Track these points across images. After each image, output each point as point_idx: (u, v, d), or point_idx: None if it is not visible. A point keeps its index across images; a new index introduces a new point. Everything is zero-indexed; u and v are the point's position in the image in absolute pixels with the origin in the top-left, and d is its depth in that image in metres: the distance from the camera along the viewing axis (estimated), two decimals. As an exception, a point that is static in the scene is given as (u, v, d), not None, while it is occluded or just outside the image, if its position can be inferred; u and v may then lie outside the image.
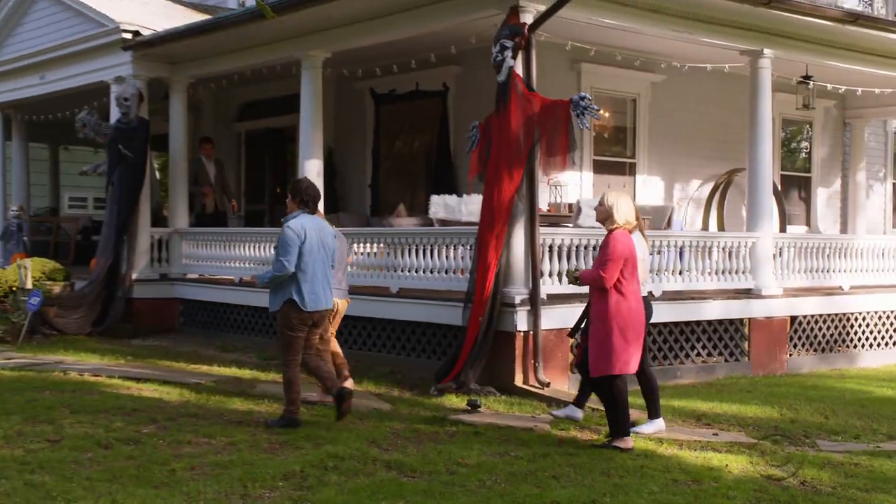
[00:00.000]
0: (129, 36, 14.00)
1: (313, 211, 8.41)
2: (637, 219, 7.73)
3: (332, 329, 9.34)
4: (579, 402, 8.37)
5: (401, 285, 10.98)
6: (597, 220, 7.84)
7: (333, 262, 8.41)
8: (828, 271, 12.60)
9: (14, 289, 14.18)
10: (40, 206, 23.74)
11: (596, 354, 7.43)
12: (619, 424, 7.42)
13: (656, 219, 13.17)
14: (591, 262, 10.22)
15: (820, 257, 12.57)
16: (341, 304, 9.29)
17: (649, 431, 7.91)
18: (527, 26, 9.58)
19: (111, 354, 11.98)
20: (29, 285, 13.54)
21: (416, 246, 10.83)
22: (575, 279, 7.79)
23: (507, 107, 9.51)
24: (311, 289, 8.11)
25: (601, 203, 7.61)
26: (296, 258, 8.01)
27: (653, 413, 8.07)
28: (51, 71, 16.04)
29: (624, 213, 7.45)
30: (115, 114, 14.50)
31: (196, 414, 8.33)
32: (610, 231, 7.44)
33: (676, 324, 10.94)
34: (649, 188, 14.50)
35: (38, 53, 16.04)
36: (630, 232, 7.55)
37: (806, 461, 7.09)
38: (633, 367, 7.46)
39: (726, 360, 11.42)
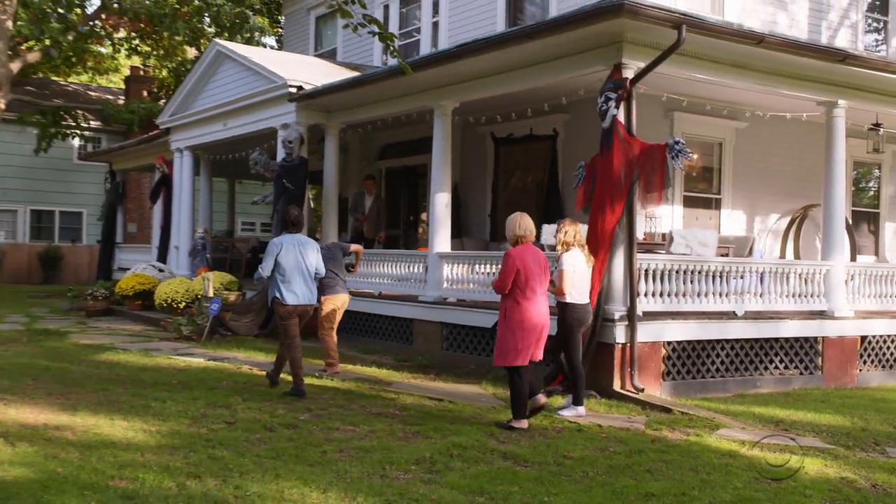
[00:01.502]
0: (293, 90, 14.36)
1: (296, 231, 9.43)
2: (567, 235, 8.36)
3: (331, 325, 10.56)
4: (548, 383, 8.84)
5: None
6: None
7: (318, 270, 9.34)
8: (894, 296, 12.02)
9: (199, 296, 14.67)
10: (219, 229, 24.59)
11: (497, 349, 7.75)
12: (516, 408, 7.67)
13: (739, 247, 12.78)
14: (682, 285, 10.03)
15: (888, 283, 12.01)
16: (346, 299, 10.69)
17: (568, 415, 8.20)
18: (628, 80, 9.46)
19: (274, 353, 12.21)
20: (210, 294, 13.97)
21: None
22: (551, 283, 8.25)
23: (611, 149, 9.40)
24: (289, 288, 9.10)
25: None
26: (271, 265, 9.09)
27: (576, 400, 8.37)
28: (231, 119, 16.54)
29: (511, 232, 7.86)
30: (280, 154, 14.85)
31: (343, 405, 8.43)
32: (508, 249, 7.87)
33: (756, 340, 10.57)
34: (733, 220, 14.12)
35: (222, 105, 16.55)
36: (568, 249, 8.33)
37: (877, 466, 6.75)
38: (524, 360, 7.62)
39: (801, 373, 10.97)
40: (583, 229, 10.36)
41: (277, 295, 9.16)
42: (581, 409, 8.35)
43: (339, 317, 10.75)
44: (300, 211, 9.81)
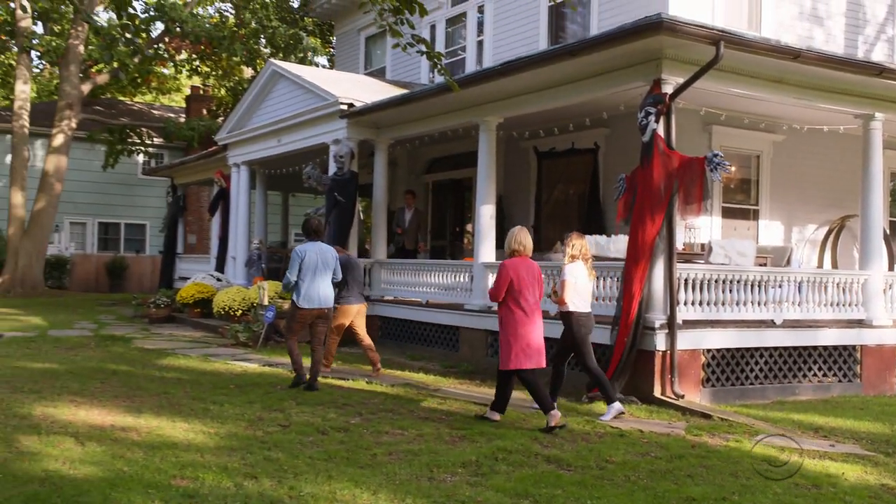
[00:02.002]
0: (345, 107, 14.47)
1: (317, 239, 9.85)
2: (574, 249, 8.49)
3: (339, 331, 11.05)
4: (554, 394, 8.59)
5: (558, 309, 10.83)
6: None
7: (335, 275, 9.80)
8: (934, 306, 11.71)
9: (254, 304, 14.82)
10: (274, 240, 24.86)
11: (501, 356, 8.04)
12: (542, 404, 7.91)
13: (777, 257, 12.58)
14: (720, 294, 9.90)
15: (926, 293, 11.68)
16: (362, 308, 11.10)
17: (608, 418, 8.25)
18: (667, 95, 9.38)
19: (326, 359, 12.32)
20: (266, 302, 14.10)
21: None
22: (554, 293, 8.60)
23: (651, 162, 9.32)
24: (309, 292, 9.55)
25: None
26: (297, 272, 9.54)
27: (608, 399, 8.47)
28: (285, 135, 16.71)
29: (508, 245, 8.12)
30: (332, 168, 14.96)
31: (392, 410, 8.45)
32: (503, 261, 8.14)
33: (795, 348, 10.38)
34: (771, 231, 13.89)
35: (277, 122, 16.73)
36: (573, 261, 8.44)
37: (917, 473, 6.57)
38: (531, 364, 7.85)
39: (840, 381, 10.74)
40: (607, 241, 10.54)
41: (295, 298, 9.68)
42: (616, 405, 8.36)
43: (359, 322, 11.13)
44: (320, 220, 10.28)
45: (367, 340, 11.16)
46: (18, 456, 6.08)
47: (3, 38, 28.22)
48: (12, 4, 27.02)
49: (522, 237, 8.14)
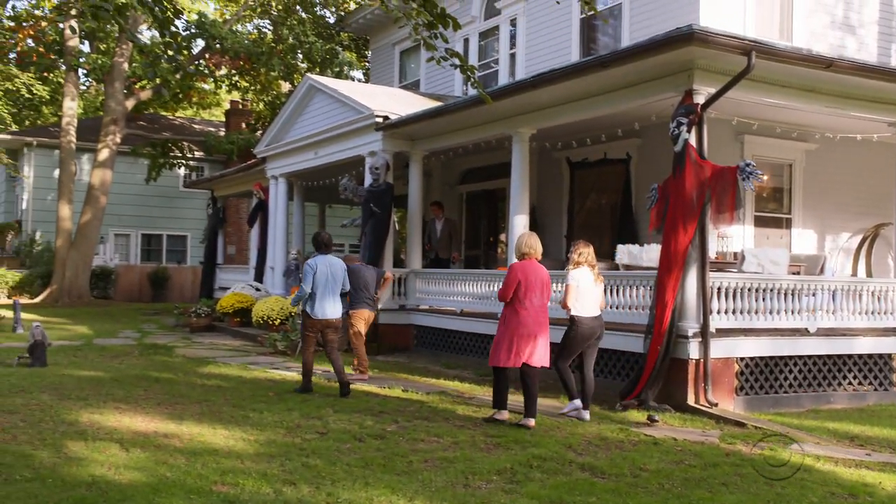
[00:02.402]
0: (380, 120, 14.55)
1: (327, 252, 10.18)
2: (581, 256, 8.65)
3: (361, 336, 11.47)
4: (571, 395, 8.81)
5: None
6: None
7: (344, 286, 10.13)
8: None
9: (292, 314, 14.90)
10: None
11: (492, 350, 8.33)
12: (497, 400, 8.32)
13: (810, 266, 12.40)
14: (754, 303, 9.78)
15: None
16: (373, 315, 11.71)
17: (566, 410, 8.69)
18: (699, 106, 9.32)
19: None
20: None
21: (605, 286, 10.62)
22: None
23: (683, 172, 9.25)
24: (319, 304, 9.86)
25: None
26: (310, 284, 9.83)
27: (576, 397, 8.73)
28: (322, 148, 16.83)
29: (518, 248, 8.40)
30: (367, 180, 15.04)
31: (428, 417, 8.45)
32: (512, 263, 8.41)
33: (829, 356, 10.21)
34: (804, 239, 13.71)
35: (313, 135, 16.86)
36: (577, 267, 8.59)
37: (956, 483, 6.43)
38: (512, 363, 8.14)
39: (875, 389, 10.54)
40: (639, 250, 10.69)
41: (307, 309, 9.97)
42: (577, 402, 8.67)
43: (364, 328, 11.64)
44: (329, 235, 10.59)
45: (362, 348, 11.61)
46: (66, 461, 6.18)
47: (52, 57, 28.80)
48: (61, 25, 27.59)
49: (532, 241, 8.40)
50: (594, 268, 8.77)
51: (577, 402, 8.65)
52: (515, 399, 8.57)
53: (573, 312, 8.61)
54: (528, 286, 8.16)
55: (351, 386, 9.89)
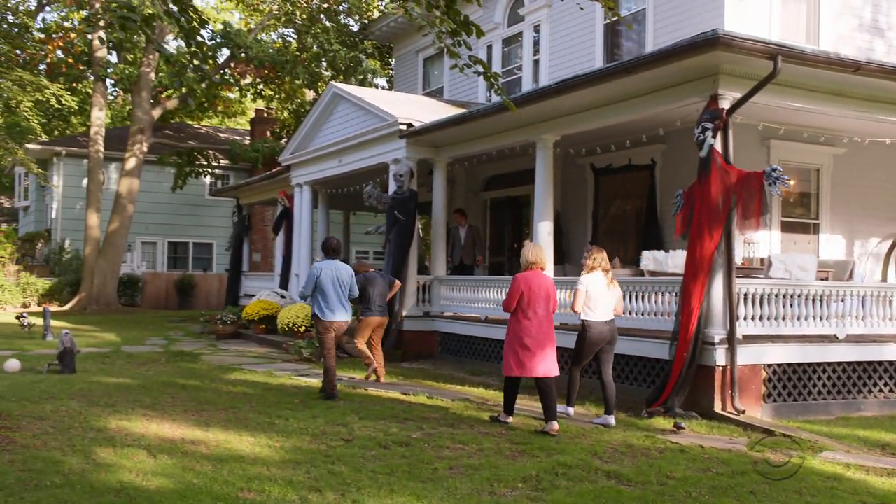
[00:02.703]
0: (404, 127, 14.59)
1: (334, 258, 10.40)
2: (595, 262, 8.78)
3: (377, 342, 11.80)
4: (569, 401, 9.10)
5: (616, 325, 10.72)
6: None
7: (352, 291, 10.36)
8: None
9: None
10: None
11: (503, 361, 8.50)
12: (505, 405, 8.59)
13: (839, 271, 12.27)
14: (781, 309, 9.69)
15: None
16: (383, 321, 11.88)
17: (561, 410, 8.78)
18: (724, 111, 9.26)
19: (388, 374, 12.34)
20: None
21: (630, 292, 10.60)
22: None
23: (708, 177, 9.19)
24: (327, 306, 10.11)
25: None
26: (311, 288, 10.15)
27: (569, 402, 9.06)
28: (346, 155, 16.90)
29: (524, 259, 8.52)
30: (391, 187, 15.08)
31: (453, 424, 8.44)
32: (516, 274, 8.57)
33: (859, 363, 10.08)
34: (832, 245, 13.56)
35: (338, 143, 16.94)
36: (590, 272, 8.76)
37: None
38: (523, 373, 8.31)
39: (907, 397, 10.39)
40: (664, 256, 10.73)
41: (317, 312, 10.22)
42: (570, 410, 8.99)
43: (378, 333, 11.92)
44: (339, 240, 10.84)
45: (379, 351, 11.89)
46: (95, 467, 6.24)
47: (81, 67, 29.21)
48: (90, 36, 27.98)
49: (537, 252, 8.59)
50: (608, 272, 8.90)
51: (570, 410, 8.98)
52: (537, 405, 8.54)
53: (584, 317, 8.80)
54: (532, 297, 8.33)
55: (370, 391, 10.00)
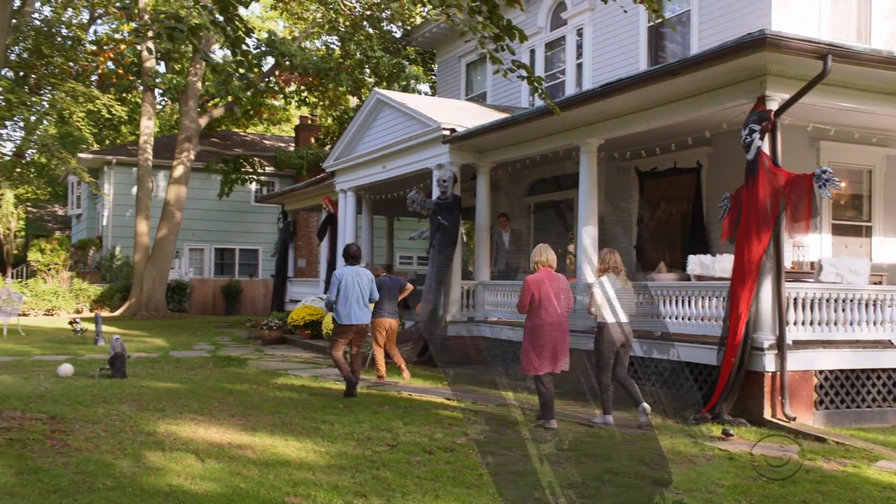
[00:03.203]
0: (447, 133, 14.61)
1: (355, 264, 10.99)
2: (606, 263, 8.94)
3: (391, 342, 12.31)
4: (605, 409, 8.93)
5: (662, 329, 10.62)
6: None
7: (372, 295, 10.93)
8: None
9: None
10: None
11: (522, 361, 8.76)
12: (543, 411, 8.64)
13: (893, 275, 11.96)
14: (832, 314, 9.49)
15: None
16: (394, 323, 12.27)
17: (598, 421, 8.75)
18: (772, 112, 9.11)
19: (432, 379, 12.38)
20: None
21: (676, 297, 10.48)
22: None
23: (756, 180, 9.04)
24: (346, 311, 10.68)
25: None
26: (335, 293, 10.69)
27: (605, 410, 8.86)
28: (390, 161, 16.98)
29: (533, 259, 8.88)
30: (435, 192, 15.10)
31: (496, 430, 8.41)
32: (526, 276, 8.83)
33: (914, 369, 9.83)
34: (885, 248, 13.23)
35: (381, 149, 17.02)
36: (603, 273, 8.92)
37: None
38: (543, 370, 8.54)
39: (965, 404, 10.08)
40: (711, 260, 10.68)
41: (336, 316, 10.79)
42: (609, 418, 8.78)
43: (391, 335, 12.33)
44: (358, 247, 11.42)
45: (396, 351, 12.36)
46: (145, 471, 6.34)
47: (131, 78, 29.80)
48: (139, 47, 28.53)
49: (546, 252, 8.88)
50: (620, 273, 8.96)
51: (609, 419, 8.81)
52: (582, 410, 8.47)
53: (599, 319, 8.89)
54: (543, 297, 8.59)
55: (414, 396, 10.15)
